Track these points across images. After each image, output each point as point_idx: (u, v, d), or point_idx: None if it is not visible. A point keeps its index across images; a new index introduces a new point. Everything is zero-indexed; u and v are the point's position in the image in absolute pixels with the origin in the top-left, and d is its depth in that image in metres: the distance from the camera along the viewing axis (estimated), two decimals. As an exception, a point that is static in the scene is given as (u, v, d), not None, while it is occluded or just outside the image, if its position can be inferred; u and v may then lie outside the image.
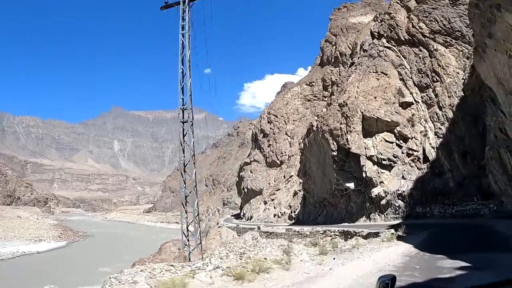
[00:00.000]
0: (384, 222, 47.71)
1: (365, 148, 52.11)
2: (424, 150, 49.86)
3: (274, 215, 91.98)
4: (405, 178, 49.31)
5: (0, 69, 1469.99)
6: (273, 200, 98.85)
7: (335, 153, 53.88)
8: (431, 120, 52.28)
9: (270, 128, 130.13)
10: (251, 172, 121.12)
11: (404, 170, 50.02)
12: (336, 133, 54.29)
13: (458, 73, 53.26)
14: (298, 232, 50.13)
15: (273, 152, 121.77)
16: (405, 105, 54.82)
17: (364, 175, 50.85)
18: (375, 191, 50.20)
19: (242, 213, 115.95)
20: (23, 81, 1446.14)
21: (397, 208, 47.92)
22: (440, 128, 50.32)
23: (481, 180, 40.71)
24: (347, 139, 52.37)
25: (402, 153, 51.57)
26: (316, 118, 61.95)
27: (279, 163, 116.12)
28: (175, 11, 32.19)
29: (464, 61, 54.00)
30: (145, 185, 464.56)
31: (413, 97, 55.59)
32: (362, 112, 53.54)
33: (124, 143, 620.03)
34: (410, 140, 51.54)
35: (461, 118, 48.55)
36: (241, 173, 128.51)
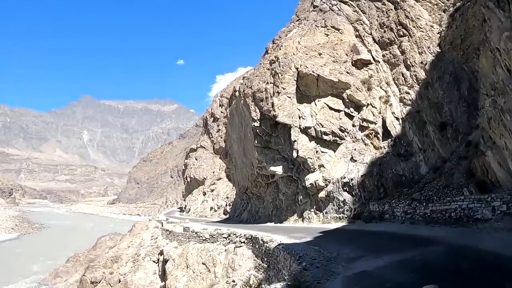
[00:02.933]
0: (321, 224, 30.57)
1: (299, 117, 34.34)
2: (384, 121, 32.46)
3: (211, 208, 75.27)
4: (355, 161, 31.84)
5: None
6: (212, 191, 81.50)
7: (256, 124, 35.91)
8: (395, 82, 34.95)
9: (221, 112, 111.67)
10: (196, 159, 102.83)
11: (355, 149, 32.60)
12: (260, 96, 36.25)
13: (432, 26, 35.64)
14: (196, 233, 32.89)
15: (221, 137, 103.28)
16: (361, 64, 37.35)
17: (295, 154, 32.91)
18: (310, 178, 32.48)
19: (184, 205, 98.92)
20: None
21: (342, 204, 30.49)
22: (408, 93, 33.05)
23: (472, 162, 23.25)
24: (272, 103, 34.41)
25: (353, 125, 34.12)
26: (241, 81, 43.45)
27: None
28: None
29: (440, 14, 36.61)
30: (114, 176, 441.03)
31: (371, 55, 37.95)
32: (297, 68, 35.81)
33: (94, 133, 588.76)
34: (364, 108, 34.14)
35: (437, 78, 31.67)
36: (186, 161, 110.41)
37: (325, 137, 33.66)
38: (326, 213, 31.58)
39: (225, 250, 28.81)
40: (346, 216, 29.65)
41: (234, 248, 27.55)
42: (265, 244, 22.22)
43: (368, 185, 29.45)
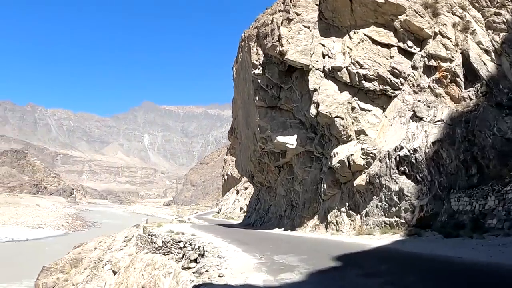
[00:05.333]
0: (355, 235, 16.69)
1: (323, 56, 20.22)
2: (466, 57, 18.15)
3: (241, 209, 62.88)
4: (420, 119, 17.41)
5: (33, 62, 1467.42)
6: (246, 189, 68.58)
7: (258, 71, 22.05)
8: (474, 6, 19.94)
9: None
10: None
11: (419, 101, 17.78)
12: (264, 31, 22.47)
13: None
14: (151, 238, 22.35)
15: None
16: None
17: (314, 111, 18.99)
18: (340, 152, 18.56)
19: (219, 206, 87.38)
20: (55, 75, 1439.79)
21: (396, 199, 16.21)
22: (499, 14, 18.95)
23: None
24: (279, 35, 20.50)
25: (414, 67, 19.80)
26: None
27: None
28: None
29: None
30: (173, 179, 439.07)
31: (436, -23, 22.94)
32: (320, -14, 21.75)
33: (154, 137, 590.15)
34: (431, 40, 19.77)
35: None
36: (225, 157, 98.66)
37: (366, 84, 19.38)
38: (366, 215, 17.26)
39: (174, 270, 15.54)
40: (404, 221, 15.35)
41: (181, 269, 14.21)
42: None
43: (447, 160, 15.03)
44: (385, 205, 16.49)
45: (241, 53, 30.23)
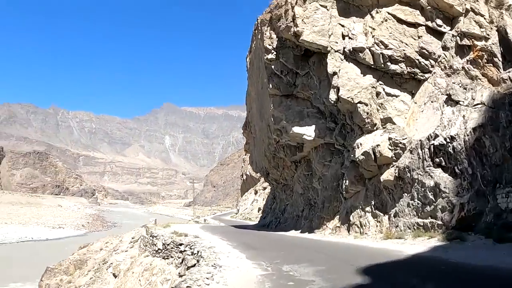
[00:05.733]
0: (382, 240, 14.28)
1: (343, 37, 18.03)
2: (503, 36, 15.99)
3: (259, 209, 60.96)
4: (456, 102, 14.82)
5: (54, 65, 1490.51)
6: (265, 189, 66.84)
7: (272, 56, 20.00)
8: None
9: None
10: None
11: (453, 84, 15.93)
12: (278, 14, 20.54)
13: None
14: (152, 239, 20.72)
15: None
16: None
17: (333, 97, 16.84)
18: (364, 143, 16.52)
19: (238, 207, 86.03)
20: (77, 77, 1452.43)
21: (431, 196, 14.04)
22: None
23: None
24: (294, 16, 18.40)
25: (445, 47, 17.69)
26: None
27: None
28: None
29: None
30: (194, 180, 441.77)
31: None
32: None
33: (175, 139, 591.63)
34: (462, 18, 17.39)
35: None
36: (244, 156, 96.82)
37: (393, 66, 17.18)
38: (395, 215, 15.06)
39: (172, 277, 13.88)
40: (440, 223, 13.14)
41: (178, 276, 12.60)
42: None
43: (491, 149, 12.77)
44: (418, 203, 14.24)
45: (254, 41, 28.26)
